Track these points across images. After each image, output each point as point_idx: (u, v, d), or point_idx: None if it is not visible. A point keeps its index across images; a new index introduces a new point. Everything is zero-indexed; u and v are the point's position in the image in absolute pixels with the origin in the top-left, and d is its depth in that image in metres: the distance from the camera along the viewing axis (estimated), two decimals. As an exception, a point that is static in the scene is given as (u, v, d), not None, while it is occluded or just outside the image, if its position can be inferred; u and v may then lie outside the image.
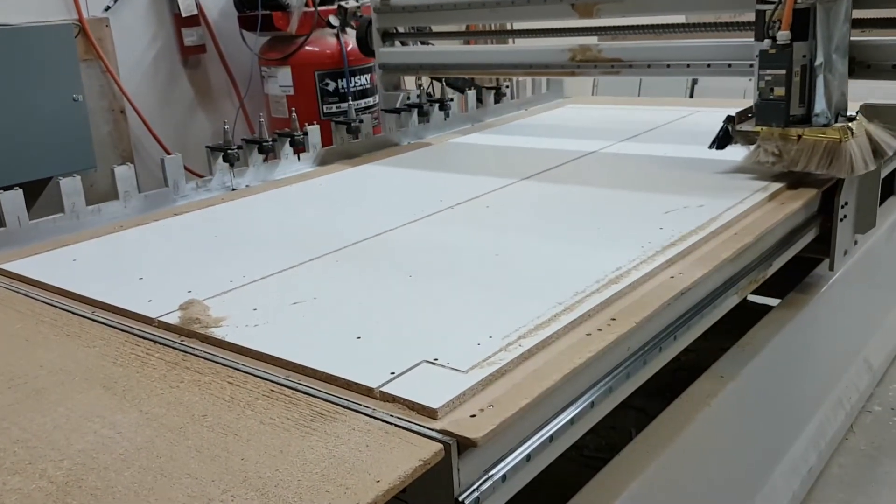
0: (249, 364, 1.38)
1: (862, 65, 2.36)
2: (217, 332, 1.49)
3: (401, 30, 3.61)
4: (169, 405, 1.27)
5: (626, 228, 2.01)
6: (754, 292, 2.08)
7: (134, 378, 1.37)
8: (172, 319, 1.57)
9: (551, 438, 1.30)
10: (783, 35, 2.21)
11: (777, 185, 2.25)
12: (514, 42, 4.23)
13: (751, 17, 2.46)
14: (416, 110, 3.39)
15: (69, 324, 1.63)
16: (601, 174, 2.62)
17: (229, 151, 2.65)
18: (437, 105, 3.48)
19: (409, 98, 3.48)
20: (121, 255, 2.11)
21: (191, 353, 1.44)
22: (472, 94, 3.70)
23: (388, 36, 3.57)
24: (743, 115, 2.46)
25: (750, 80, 2.53)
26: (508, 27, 3.97)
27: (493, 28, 4.08)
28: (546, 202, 2.35)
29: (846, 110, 2.33)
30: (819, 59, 2.24)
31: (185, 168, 2.61)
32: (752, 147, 2.36)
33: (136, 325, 1.59)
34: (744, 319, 2.23)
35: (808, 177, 2.36)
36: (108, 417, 1.24)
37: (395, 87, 3.65)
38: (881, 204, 2.71)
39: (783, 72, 2.23)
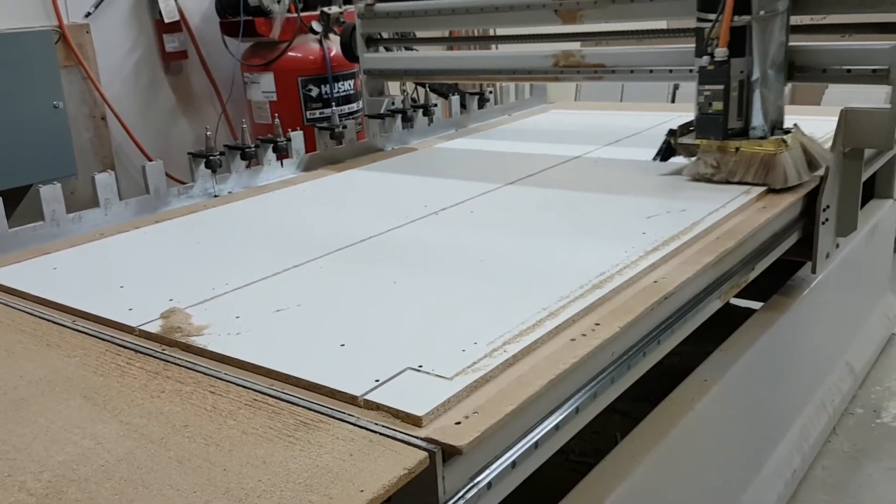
0: (232, 373, 1.37)
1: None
2: (199, 341, 1.48)
3: (385, 35, 3.61)
4: (150, 415, 1.25)
5: (610, 233, 2.01)
6: (738, 295, 2.09)
7: (114, 388, 1.35)
8: (153, 328, 1.56)
9: (536, 445, 1.30)
10: (721, 52, 2.29)
11: (759, 190, 2.27)
12: (497, 48, 4.25)
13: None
14: (400, 116, 3.39)
15: (49, 333, 1.61)
16: (584, 179, 2.63)
17: (211, 158, 2.63)
18: (421, 110, 3.48)
19: (393, 103, 3.47)
20: (101, 263, 2.09)
21: (172, 363, 1.43)
22: (455, 99, 3.71)
23: (372, 42, 3.57)
24: (685, 129, 2.55)
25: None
26: (492, 33, 3.98)
27: (476, 34, 4.10)
28: (530, 207, 2.35)
29: (783, 123, 2.43)
30: (756, 75, 2.34)
31: (167, 175, 2.59)
32: (693, 159, 2.45)
33: (117, 335, 1.57)
34: (729, 322, 2.25)
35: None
36: (89, 428, 1.23)
37: (379, 93, 3.65)
38: (862, 207, 2.73)
39: (721, 87, 2.32)
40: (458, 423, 1.18)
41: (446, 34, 4.05)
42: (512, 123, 3.77)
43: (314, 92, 4.35)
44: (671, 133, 2.59)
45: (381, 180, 2.80)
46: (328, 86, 4.35)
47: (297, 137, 2.95)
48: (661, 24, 2.89)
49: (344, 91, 4.42)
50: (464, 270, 1.83)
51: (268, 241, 2.17)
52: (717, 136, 2.36)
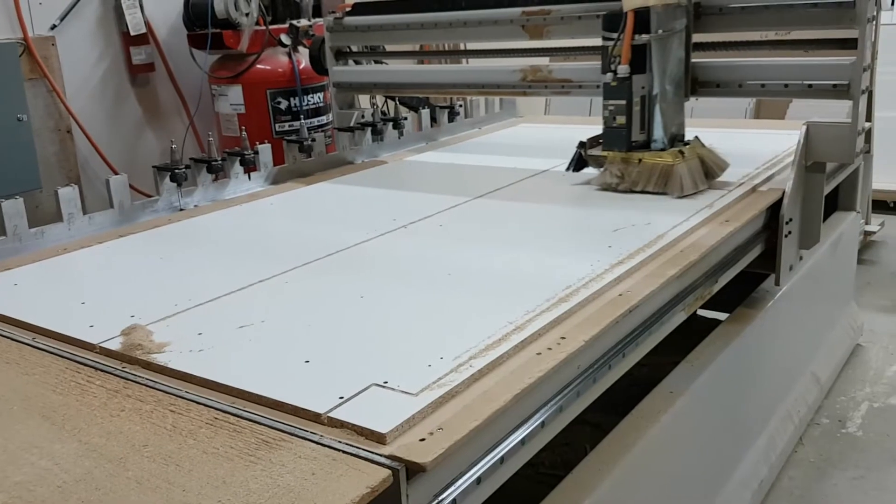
0: (193, 391, 1.35)
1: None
2: (160, 359, 1.46)
3: (354, 49, 3.60)
4: (109, 435, 1.23)
5: (576, 246, 2.03)
6: (705, 307, 2.11)
7: (74, 407, 1.33)
8: (114, 345, 1.53)
9: (502, 460, 1.30)
10: (623, 69, 2.42)
11: (722, 203, 2.30)
12: (467, 62, 4.27)
13: (694, 38, 2.55)
14: (370, 129, 3.39)
15: (8, 350, 1.58)
16: (553, 192, 2.64)
17: (176, 171, 2.61)
18: (391, 123, 3.48)
19: (363, 116, 3.47)
20: (63, 278, 2.06)
21: (132, 381, 1.41)
22: (426, 112, 3.71)
23: (341, 55, 3.57)
24: (594, 141, 2.68)
25: (697, 99, 2.60)
26: (462, 47, 3.99)
27: (446, 48, 4.11)
28: (499, 221, 2.36)
29: (683, 136, 2.57)
30: (655, 91, 2.47)
31: (135, 188, 2.57)
32: (601, 169, 2.58)
33: (77, 352, 1.55)
34: (700, 333, 2.27)
35: (752, 193, 2.42)
36: (47, 448, 1.21)
37: (348, 106, 3.64)
38: (825, 220, 2.78)
39: (623, 102, 2.45)
40: (423, 439, 1.17)
41: (416, 48, 4.06)
42: (482, 137, 3.79)
43: (283, 104, 4.33)
44: (581, 145, 2.73)
45: (350, 194, 2.79)
46: (297, 98, 4.33)
47: (265, 150, 2.93)
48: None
49: (313, 104, 4.41)
50: (431, 284, 1.83)
51: (233, 255, 2.15)
52: (622, 149, 2.49)
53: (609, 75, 2.46)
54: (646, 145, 2.50)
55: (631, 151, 2.48)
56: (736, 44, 2.65)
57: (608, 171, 2.53)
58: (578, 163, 2.77)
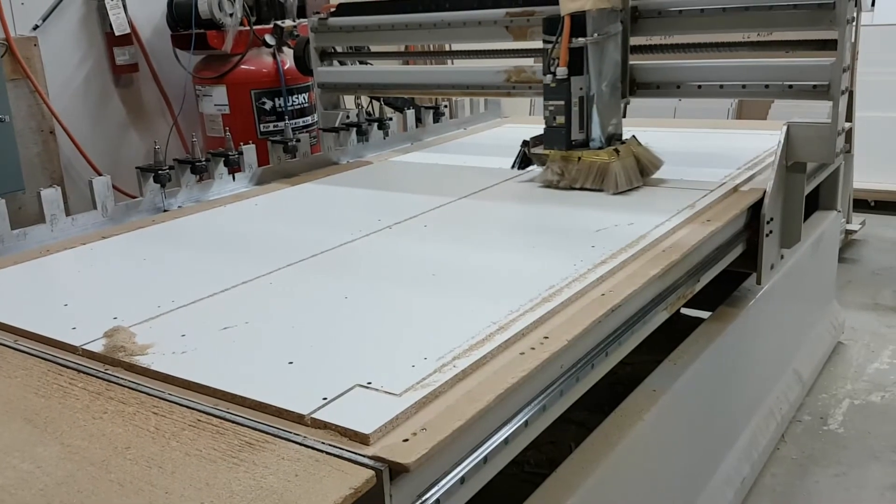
0: (176, 393, 1.35)
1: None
2: (142, 360, 1.46)
3: (339, 49, 3.60)
4: (91, 437, 1.23)
5: (560, 247, 2.04)
6: (688, 305, 2.13)
7: (56, 409, 1.33)
8: (97, 347, 1.53)
9: (486, 459, 1.30)
10: (561, 71, 2.52)
11: (704, 203, 2.32)
12: (452, 63, 4.27)
13: (673, 40, 2.57)
14: (355, 129, 3.39)
15: (-11, 354, 1.57)
16: (537, 193, 2.65)
17: (160, 172, 2.60)
18: (376, 124, 3.48)
19: (348, 117, 3.47)
20: (46, 280, 2.05)
21: (115, 383, 1.40)
22: (411, 113, 3.72)
23: (326, 55, 3.57)
24: (537, 140, 2.75)
25: (679, 100, 2.62)
26: (447, 48, 4.00)
27: (431, 49, 4.11)
28: (483, 221, 2.37)
29: (621, 135, 2.66)
30: (593, 91, 2.56)
31: (118, 189, 2.56)
32: (543, 167, 2.68)
33: (60, 354, 1.54)
34: (680, 332, 2.28)
35: (734, 192, 2.45)
36: (28, 451, 1.20)
37: (333, 106, 3.64)
38: (806, 219, 2.81)
39: (563, 103, 2.55)
40: (406, 440, 1.17)
41: (401, 49, 4.06)
42: (467, 137, 3.79)
43: (268, 105, 4.32)
44: (525, 143, 2.82)
45: (334, 194, 2.79)
46: (282, 99, 4.33)
47: (250, 151, 2.93)
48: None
49: (298, 104, 4.40)
50: (416, 285, 1.83)
51: (217, 256, 2.14)
52: (561, 147, 2.59)
53: (549, 77, 2.55)
54: (585, 144, 2.61)
55: (571, 150, 2.58)
56: (676, 46, 2.73)
57: (549, 168, 2.63)
58: (523, 161, 2.87)
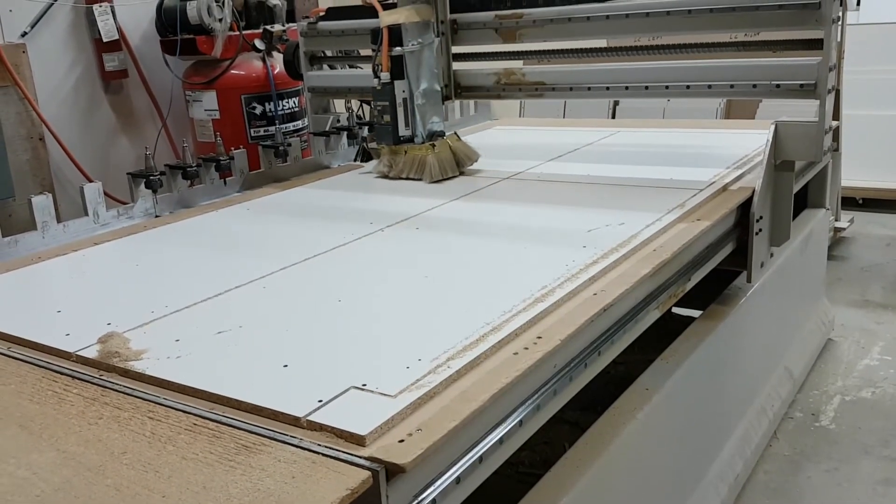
0: (171, 398, 1.35)
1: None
2: (137, 366, 1.46)
3: (328, 53, 3.61)
4: (87, 443, 1.23)
5: (552, 247, 2.05)
6: (679, 304, 2.14)
7: (51, 416, 1.33)
8: (91, 353, 1.53)
9: (481, 459, 1.31)
10: (384, 75, 2.85)
11: (694, 202, 2.33)
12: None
13: (663, 41, 2.59)
14: (345, 133, 3.39)
15: (-18, 361, 1.57)
16: (528, 194, 2.67)
17: (151, 178, 2.60)
18: (366, 128, 3.48)
19: (338, 121, 3.47)
20: (38, 287, 2.05)
21: (110, 388, 1.40)
22: (400, 116, 3.72)
23: (315, 59, 3.57)
24: (372, 136, 3.14)
25: (668, 100, 2.64)
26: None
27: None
28: (475, 223, 2.38)
29: (442, 132, 3.00)
30: (415, 94, 2.90)
31: (109, 196, 2.55)
32: (377, 160, 3.03)
33: (54, 361, 1.54)
34: (672, 330, 2.30)
35: (723, 191, 2.46)
36: (24, 458, 1.20)
37: (324, 111, 3.65)
38: (795, 217, 2.83)
39: (388, 103, 2.89)
40: (402, 440, 1.18)
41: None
42: (457, 139, 3.79)
43: (258, 110, 4.32)
44: (363, 139, 3.30)
45: (326, 198, 2.80)
46: (272, 103, 4.33)
47: (241, 156, 2.93)
48: (601, 43, 2.96)
49: (288, 109, 4.40)
50: (409, 287, 1.84)
51: (209, 261, 2.15)
52: (389, 142, 2.95)
53: (376, 80, 2.88)
54: (411, 139, 2.94)
55: (400, 144, 2.93)
56: (663, 47, 2.77)
57: (381, 161, 2.98)
58: (365, 154, 3.26)
